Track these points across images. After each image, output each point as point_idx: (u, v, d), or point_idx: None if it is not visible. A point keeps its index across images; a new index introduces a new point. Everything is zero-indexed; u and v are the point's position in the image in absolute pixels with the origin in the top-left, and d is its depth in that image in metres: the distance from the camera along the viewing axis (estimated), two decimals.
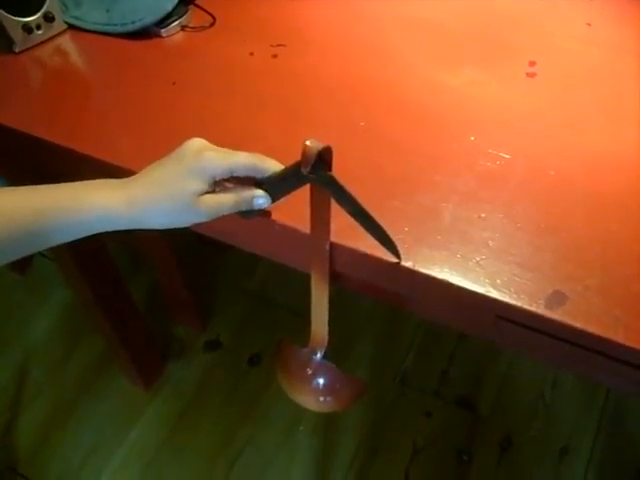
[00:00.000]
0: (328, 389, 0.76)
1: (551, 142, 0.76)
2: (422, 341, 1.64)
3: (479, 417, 1.50)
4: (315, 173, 0.59)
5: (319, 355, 0.74)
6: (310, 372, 0.75)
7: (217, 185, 0.63)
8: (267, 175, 0.63)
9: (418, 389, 1.55)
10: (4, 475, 1.49)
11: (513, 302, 0.61)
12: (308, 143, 0.57)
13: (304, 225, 0.66)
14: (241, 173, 0.62)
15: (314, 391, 0.76)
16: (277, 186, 0.63)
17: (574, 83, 0.83)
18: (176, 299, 1.64)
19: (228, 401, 1.57)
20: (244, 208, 0.63)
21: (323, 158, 0.58)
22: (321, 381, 0.75)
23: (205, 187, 0.60)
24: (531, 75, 0.84)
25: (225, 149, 0.62)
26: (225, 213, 0.62)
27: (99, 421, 1.56)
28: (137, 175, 0.62)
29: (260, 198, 0.63)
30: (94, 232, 0.62)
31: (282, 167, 0.63)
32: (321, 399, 0.77)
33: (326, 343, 0.74)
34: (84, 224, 0.60)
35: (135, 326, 1.48)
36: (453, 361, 1.60)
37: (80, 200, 0.60)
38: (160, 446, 1.51)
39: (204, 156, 0.60)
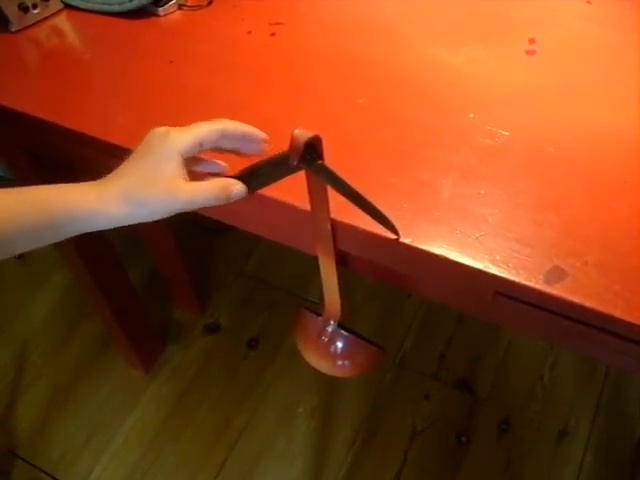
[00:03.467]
0: (345, 354, 0.79)
1: (551, 119, 0.75)
2: (421, 324, 1.64)
3: (478, 399, 1.50)
4: (305, 162, 0.58)
5: (333, 324, 0.76)
6: (326, 340, 0.77)
7: (194, 164, 0.61)
8: (251, 147, 0.61)
9: (417, 371, 1.56)
10: (4, 458, 1.49)
11: (512, 278, 0.61)
12: (296, 132, 0.57)
13: (301, 202, 0.66)
14: (210, 145, 0.60)
15: (332, 356, 0.79)
16: (267, 174, 0.63)
17: (574, 60, 0.83)
18: (175, 282, 1.64)
19: (227, 384, 1.57)
20: (223, 200, 0.60)
21: (312, 147, 0.57)
22: (339, 345, 0.78)
23: (177, 167, 0.58)
24: (531, 52, 0.84)
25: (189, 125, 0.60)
26: (202, 203, 0.59)
27: (98, 404, 1.56)
28: (109, 175, 0.61)
29: (236, 189, 0.60)
30: (71, 234, 0.60)
31: (249, 127, 0.61)
32: (339, 363, 0.80)
33: (339, 313, 0.75)
34: (57, 225, 0.58)
35: (134, 309, 1.48)
36: (452, 343, 1.60)
37: (52, 201, 0.58)
38: (159, 428, 1.51)
39: (169, 137, 0.59)
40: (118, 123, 0.80)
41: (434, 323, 1.64)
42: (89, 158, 0.85)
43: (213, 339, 1.66)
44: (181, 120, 0.79)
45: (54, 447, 1.50)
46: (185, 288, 1.65)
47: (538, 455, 1.42)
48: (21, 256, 1.87)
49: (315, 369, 0.84)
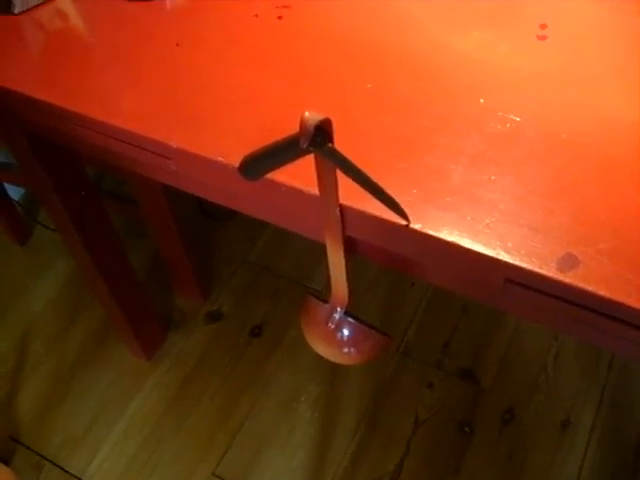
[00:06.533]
0: (351, 341, 0.78)
1: (562, 105, 0.74)
2: (424, 313, 1.64)
3: (481, 389, 1.50)
4: (314, 146, 0.57)
5: (340, 312, 0.75)
6: (332, 327, 0.77)
7: None
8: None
9: (420, 360, 1.55)
10: (6, 444, 1.49)
11: (524, 265, 0.60)
12: (306, 115, 0.56)
13: (309, 186, 0.65)
14: None
15: (338, 343, 0.79)
16: (276, 157, 0.62)
17: (586, 46, 0.82)
18: (177, 270, 1.63)
19: (229, 372, 1.56)
20: None
21: (322, 130, 0.57)
22: (345, 333, 0.78)
23: None
24: (542, 38, 0.82)
25: None
26: None
27: (100, 391, 1.56)
28: None
29: None
30: None
31: None
32: (345, 350, 0.80)
33: (347, 301, 0.75)
34: None
35: (136, 297, 1.48)
36: (456, 333, 1.59)
37: None
38: (161, 416, 1.51)
39: None
40: (123, 106, 0.79)
41: (438, 312, 1.64)
42: (93, 142, 0.84)
43: (216, 327, 1.65)
44: (186, 103, 0.79)
45: (56, 434, 1.50)
46: (187, 275, 1.64)
47: (542, 445, 1.41)
48: (22, 243, 1.86)
49: (320, 356, 0.84)
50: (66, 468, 1.45)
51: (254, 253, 1.79)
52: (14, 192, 1.83)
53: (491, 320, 1.61)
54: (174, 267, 1.63)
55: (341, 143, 0.58)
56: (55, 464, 1.46)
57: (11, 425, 1.52)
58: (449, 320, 1.62)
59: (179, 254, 1.56)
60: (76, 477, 1.44)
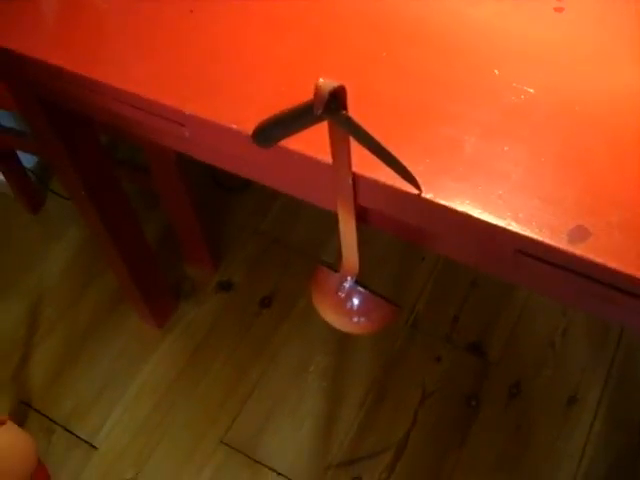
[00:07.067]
0: (361, 310, 0.79)
1: (577, 77, 0.74)
2: (434, 286, 1.64)
3: (489, 363, 1.51)
4: (328, 113, 0.57)
5: (350, 281, 0.76)
6: (342, 296, 0.78)
7: None
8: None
9: (429, 334, 1.56)
10: (18, 409, 1.51)
11: (535, 236, 0.60)
12: (320, 81, 0.56)
13: (322, 155, 0.65)
14: None
15: (348, 312, 0.80)
16: (289, 124, 0.62)
17: (602, 18, 0.81)
18: (189, 239, 1.64)
19: (239, 341, 1.58)
20: None
21: (337, 97, 0.57)
22: (355, 302, 0.79)
23: None
24: (559, 9, 0.82)
25: None
26: None
27: (111, 358, 1.58)
28: None
29: None
30: None
31: None
32: (355, 319, 0.81)
33: (357, 270, 0.75)
34: None
35: (148, 265, 1.49)
36: (465, 307, 1.60)
37: None
38: (172, 383, 1.52)
39: None
40: (135, 72, 0.79)
41: (447, 286, 1.64)
42: (107, 108, 0.84)
43: (226, 296, 1.66)
44: (200, 70, 0.79)
45: (67, 399, 1.52)
46: (199, 245, 1.65)
47: (548, 420, 1.42)
48: (35, 211, 1.87)
49: (329, 327, 0.84)
50: (77, 433, 1.47)
51: (265, 224, 1.79)
52: (27, 160, 1.84)
53: (500, 295, 1.61)
54: (186, 237, 1.64)
55: (355, 111, 0.58)
56: (66, 429, 1.48)
57: (23, 390, 1.54)
58: (458, 294, 1.62)
59: (191, 224, 1.56)
60: (86, 442, 1.46)
